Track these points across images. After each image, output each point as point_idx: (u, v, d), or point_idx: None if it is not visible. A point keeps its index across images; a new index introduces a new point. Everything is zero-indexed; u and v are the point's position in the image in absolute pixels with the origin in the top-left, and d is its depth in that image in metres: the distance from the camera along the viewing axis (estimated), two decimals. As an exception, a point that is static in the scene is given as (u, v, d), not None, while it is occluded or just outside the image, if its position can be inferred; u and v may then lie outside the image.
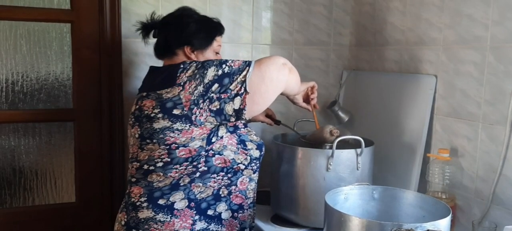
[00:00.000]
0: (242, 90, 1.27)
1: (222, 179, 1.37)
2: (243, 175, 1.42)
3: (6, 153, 1.85)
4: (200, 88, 1.27)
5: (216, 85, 1.27)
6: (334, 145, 1.49)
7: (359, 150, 1.53)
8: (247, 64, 1.30)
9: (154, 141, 1.30)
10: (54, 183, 1.93)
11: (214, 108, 1.27)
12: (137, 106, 1.35)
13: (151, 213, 1.31)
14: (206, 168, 1.33)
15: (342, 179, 1.51)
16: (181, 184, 1.32)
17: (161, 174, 1.31)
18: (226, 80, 1.28)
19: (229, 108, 1.28)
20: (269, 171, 1.74)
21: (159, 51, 1.48)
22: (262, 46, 2.07)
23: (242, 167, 1.41)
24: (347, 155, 1.53)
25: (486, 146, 1.47)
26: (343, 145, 1.54)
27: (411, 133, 1.71)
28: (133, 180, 1.36)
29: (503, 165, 1.40)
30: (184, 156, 1.30)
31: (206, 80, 1.27)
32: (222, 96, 1.27)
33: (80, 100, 1.85)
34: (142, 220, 1.32)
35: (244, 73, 1.28)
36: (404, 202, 1.36)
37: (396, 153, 1.77)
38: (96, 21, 1.82)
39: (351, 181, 1.49)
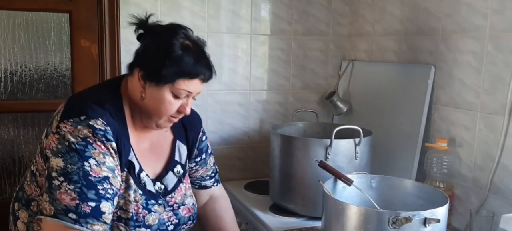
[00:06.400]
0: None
1: None
2: None
3: (6, 143, 1.85)
4: (45, 157, 1.10)
5: (45, 178, 1.09)
6: (333, 134, 1.49)
7: (357, 140, 1.54)
8: (56, 212, 1.01)
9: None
10: (53, 173, 1.93)
11: None
12: None
13: None
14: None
15: (341, 169, 1.51)
16: (31, 208, 1.19)
17: (29, 179, 1.22)
18: (46, 185, 1.06)
19: None
20: (268, 161, 1.75)
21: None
22: (261, 37, 2.06)
23: None
24: (346, 144, 1.53)
25: (484, 135, 1.47)
26: (342, 134, 1.54)
27: (410, 123, 1.71)
28: None
29: (501, 154, 1.40)
30: (40, 181, 1.16)
31: (48, 165, 1.07)
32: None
33: (79, 90, 1.85)
34: None
35: (46, 206, 1.03)
36: (402, 191, 1.37)
37: (395, 142, 1.77)
38: (94, 11, 1.81)
39: (350, 170, 1.49)
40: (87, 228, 1.01)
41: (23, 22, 1.80)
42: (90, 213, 1.02)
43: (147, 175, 1.19)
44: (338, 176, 1.35)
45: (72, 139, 1.05)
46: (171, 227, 1.21)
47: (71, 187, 1.02)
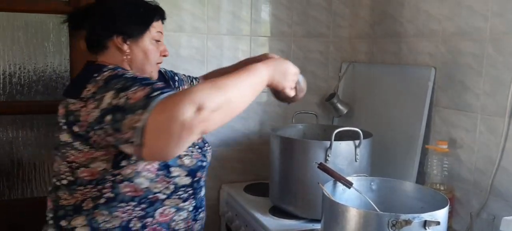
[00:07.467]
0: (134, 139, 0.92)
1: (133, 210, 1.14)
2: (165, 205, 1.17)
3: (4, 144, 1.85)
4: (96, 113, 1.00)
5: (109, 117, 0.97)
6: (333, 136, 1.49)
7: (357, 142, 1.53)
8: (146, 103, 0.90)
9: (59, 154, 1.13)
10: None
11: (112, 142, 1.01)
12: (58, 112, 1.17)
13: None
14: (112, 195, 1.12)
15: (341, 171, 1.50)
16: (84, 208, 1.12)
17: (67, 193, 1.13)
18: (119, 116, 0.95)
19: (126, 149, 0.98)
20: (268, 163, 1.74)
21: (90, 46, 1.23)
22: (261, 39, 2.06)
23: (162, 196, 1.16)
24: (346, 146, 1.53)
25: (484, 138, 1.47)
26: (342, 136, 1.53)
27: (410, 125, 1.71)
28: (49, 189, 1.20)
29: (502, 157, 1.40)
30: (87, 177, 1.10)
31: (102, 106, 1.00)
32: (117, 136, 0.97)
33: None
34: None
35: (136, 118, 0.90)
36: (402, 194, 1.36)
37: (395, 144, 1.77)
38: (94, 13, 1.81)
39: (350, 172, 1.49)
40: (174, 90, 0.97)
41: (22, 23, 1.80)
42: (166, 86, 0.98)
43: None
44: (337, 178, 1.34)
45: (100, 83, 1.05)
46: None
47: (134, 88, 0.96)
